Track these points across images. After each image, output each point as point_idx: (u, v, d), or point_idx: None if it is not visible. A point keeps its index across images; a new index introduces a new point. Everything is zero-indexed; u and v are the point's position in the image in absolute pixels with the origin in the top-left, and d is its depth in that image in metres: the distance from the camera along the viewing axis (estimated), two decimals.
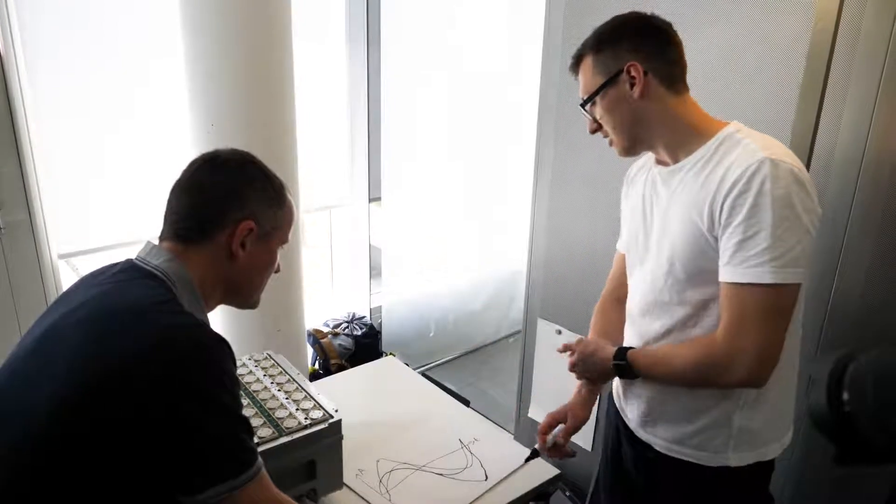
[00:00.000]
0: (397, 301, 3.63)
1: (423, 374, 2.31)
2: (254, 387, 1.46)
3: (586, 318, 1.51)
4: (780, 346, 1.09)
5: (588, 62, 1.21)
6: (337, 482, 1.48)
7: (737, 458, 1.21)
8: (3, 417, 0.91)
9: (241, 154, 1.10)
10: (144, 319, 0.93)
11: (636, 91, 1.16)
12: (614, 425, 1.44)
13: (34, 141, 2.26)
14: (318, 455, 1.38)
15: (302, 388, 1.47)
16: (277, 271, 1.15)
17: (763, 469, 1.25)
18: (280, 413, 1.37)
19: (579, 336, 1.50)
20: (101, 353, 0.90)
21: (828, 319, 1.52)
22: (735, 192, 1.06)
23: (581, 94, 1.24)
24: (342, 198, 3.66)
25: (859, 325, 1.48)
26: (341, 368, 3.11)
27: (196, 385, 0.90)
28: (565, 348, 1.38)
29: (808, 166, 1.38)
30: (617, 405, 1.41)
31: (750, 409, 1.19)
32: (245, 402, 1.39)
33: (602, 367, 1.30)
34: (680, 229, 1.16)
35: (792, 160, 1.07)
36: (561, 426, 1.43)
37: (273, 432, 1.31)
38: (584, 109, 1.24)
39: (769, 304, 1.07)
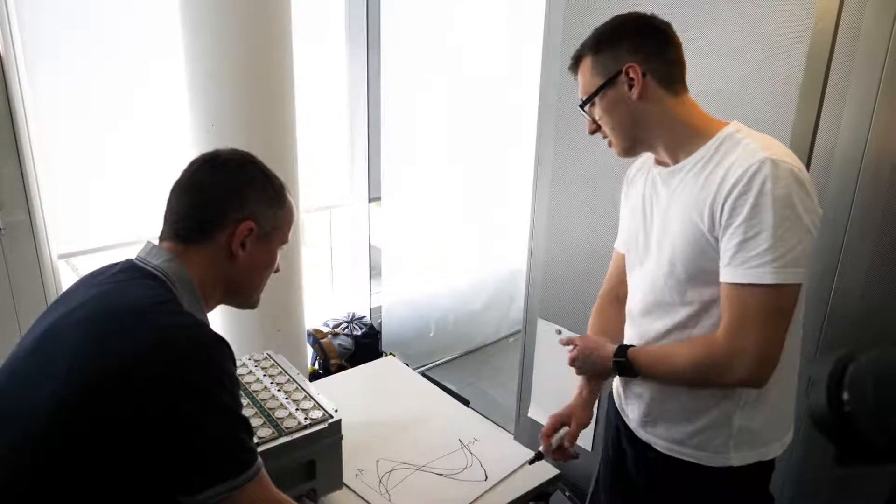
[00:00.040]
0: (397, 301, 3.63)
1: (423, 374, 2.30)
2: (254, 387, 1.46)
3: (586, 317, 1.51)
4: (780, 346, 1.09)
5: (587, 63, 1.21)
6: (337, 482, 1.48)
7: (737, 458, 1.21)
8: (3, 417, 0.91)
9: (241, 154, 1.10)
10: (144, 319, 0.93)
11: (634, 92, 1.16)
12: (614, 425, 1.44)
13: (34, 141, 2.26)
14: (317, 455, 1.38)
15: (302, 388, 1.47)
16: (277, 271, 1.15)
17: (763, 469, 1.25)
18: (280, 413, 1.37)
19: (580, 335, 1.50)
20: (101, 352, 0.90)
21: (828, 319, 1.52)
22: (736, 192, 1.06)
23: (580, 95, 1.24)
24: (342, 198, 3.66)
25: (859, 326, 1.48)
26: (341, 368, 3.11)
27: (196, 385, 0.90)
28: (568, 341, 1.38)
29: (808, 166, 1.39)
30: (617, 405, 1.41)
31: (750, 409, 1.19)
32: (245, 402, 1.39)
33: (602, 363, 1.30)
34: (680, 230, 1.16)
35: (792, 160, 1.07)
36: (565, 429, 1.42)
37: (273, 432, 1.31)
38: (583, 110, 1.24)
39: (770, 305, 1.07)
